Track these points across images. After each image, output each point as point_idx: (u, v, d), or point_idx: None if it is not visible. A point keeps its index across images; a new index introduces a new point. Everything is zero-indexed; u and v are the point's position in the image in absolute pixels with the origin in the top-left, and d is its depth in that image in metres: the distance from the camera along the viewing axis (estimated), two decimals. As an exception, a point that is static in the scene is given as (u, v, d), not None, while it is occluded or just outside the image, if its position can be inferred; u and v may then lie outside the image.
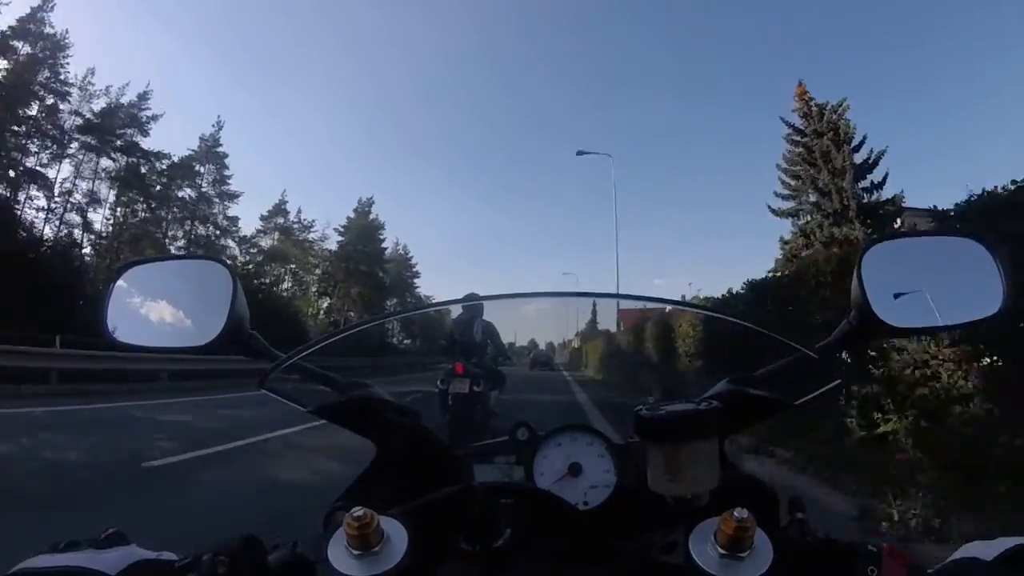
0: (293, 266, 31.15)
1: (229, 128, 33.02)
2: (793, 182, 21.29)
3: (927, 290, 0.62)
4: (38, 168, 19.42)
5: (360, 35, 61.55)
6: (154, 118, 22.35)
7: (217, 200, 25.71)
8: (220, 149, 26.13)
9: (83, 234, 21.14)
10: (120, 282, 0.65)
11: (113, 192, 21.68)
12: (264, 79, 52.63)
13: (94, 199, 21.16)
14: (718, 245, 62.85)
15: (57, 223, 20.31)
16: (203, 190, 25.06)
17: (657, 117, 61.21)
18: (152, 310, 0.66)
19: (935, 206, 4.56)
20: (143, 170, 22.03)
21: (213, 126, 26.48)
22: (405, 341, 32.43)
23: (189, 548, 0.48)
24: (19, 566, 0.43)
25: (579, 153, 21.01)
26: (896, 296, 0.59)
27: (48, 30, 19.75)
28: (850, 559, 0.45)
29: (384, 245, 35.10)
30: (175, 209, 24.32)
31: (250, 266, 26.96)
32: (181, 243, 23.93)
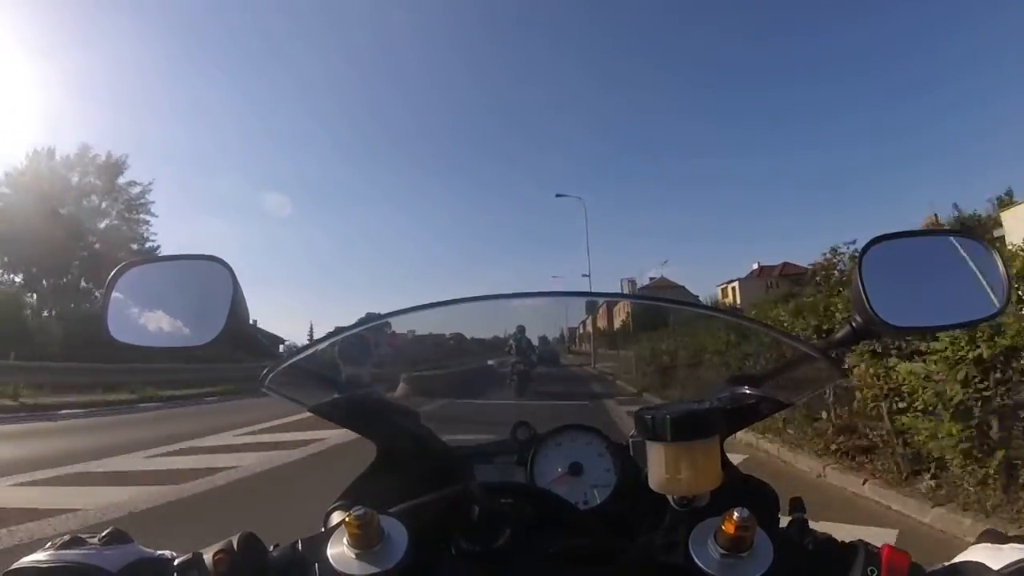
0: None
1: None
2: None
3: (928, 290, 0.62)
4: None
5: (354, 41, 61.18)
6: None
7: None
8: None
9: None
10: (120, 283, 0.65)
11: None
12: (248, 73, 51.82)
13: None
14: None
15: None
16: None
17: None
18: (153, 310, 0.66)
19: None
20: None
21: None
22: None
23: (190, 547, 0.49)
24: (22, 561, 0.43)
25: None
26: (897, 296, 0.58)
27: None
28: (850, 559, 0.45)
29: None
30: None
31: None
32: None
